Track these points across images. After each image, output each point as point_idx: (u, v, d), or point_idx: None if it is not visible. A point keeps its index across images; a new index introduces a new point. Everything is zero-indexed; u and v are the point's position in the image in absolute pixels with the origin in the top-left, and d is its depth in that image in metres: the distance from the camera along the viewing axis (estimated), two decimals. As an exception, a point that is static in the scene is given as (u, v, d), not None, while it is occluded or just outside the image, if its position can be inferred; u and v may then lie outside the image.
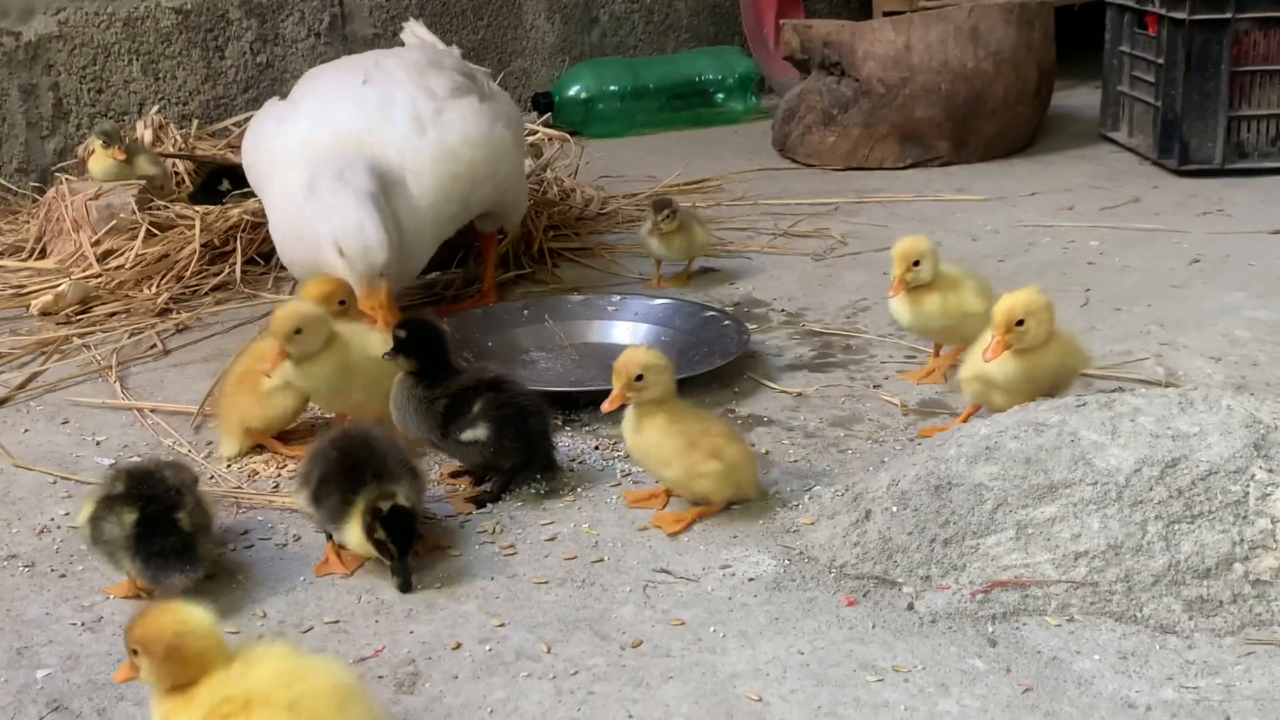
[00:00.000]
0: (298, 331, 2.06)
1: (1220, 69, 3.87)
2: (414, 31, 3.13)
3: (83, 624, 1.74)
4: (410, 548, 1.78)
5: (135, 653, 1.35)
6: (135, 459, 1.92)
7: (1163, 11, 3.96)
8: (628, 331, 2.66)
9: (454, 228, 2.69)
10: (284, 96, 2.80)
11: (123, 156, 3.31)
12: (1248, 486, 1.70)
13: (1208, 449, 1.74)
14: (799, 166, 4.31)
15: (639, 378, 1.90)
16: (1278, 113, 3.93)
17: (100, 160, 3.32)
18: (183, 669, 1.33)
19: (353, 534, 1.78)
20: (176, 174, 3.53)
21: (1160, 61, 3.99)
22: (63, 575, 1.87)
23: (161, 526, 1.75)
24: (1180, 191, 3.79)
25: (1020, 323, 2.06)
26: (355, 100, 2.58)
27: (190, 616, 1.35)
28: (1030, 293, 2.11)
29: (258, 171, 2.64)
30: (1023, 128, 4.38)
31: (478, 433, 2.01)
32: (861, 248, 3.35)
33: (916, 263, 2.29)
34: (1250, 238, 3.33)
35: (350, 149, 2.46)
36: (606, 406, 1.93)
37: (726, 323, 2.62)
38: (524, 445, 2.02)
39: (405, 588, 1.78)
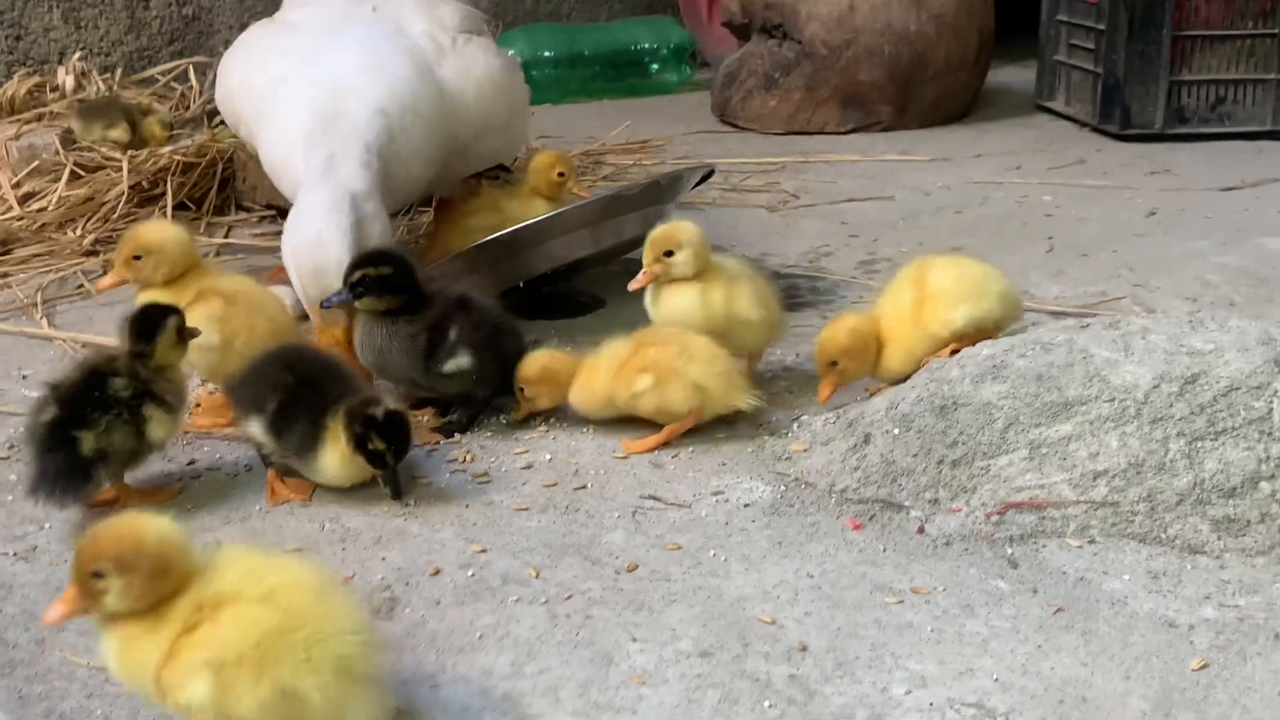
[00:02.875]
0: (136, 257, 1.85)
1: (1162, 33, 3.85)
2: None
3: (15, 554, 1.57)
4: (405, 454, 1.65)
5: (99, 575, 1.14)
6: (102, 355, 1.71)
7: (1105, -24, 3.93)
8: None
9: (450, 169, 2.41)
10: (213, 51, 2.50)
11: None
12: (1271, 402, 1.62)
13: (1226, 365, 1.66)
14: (740, 131, 4.22)
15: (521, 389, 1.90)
16: (1218, 77, 3.92)
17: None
18: (166, 584, 1.16)
19: (330, 458, 1.64)
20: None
21: (1101, 27, 3.96)
22: (-11, 506, 1.69)
23: (60, 440, 1.59)
24: (1124, 154, 3.76)
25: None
26: (367, 22, 2.31)
27: (164, 524, 1.18)
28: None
29: (254, 97, 2.30)
30: (962, 94, 4.33)
31: (460, 361, 1.87)
32: (815, 200, 3.26)
33: (669, 253, 1.94)
34: (1202, 194, 3.29)
35: (360, 86, 2.14)
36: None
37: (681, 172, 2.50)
38: (500, 371, 1.88)
39: (399, 494, 1.65)
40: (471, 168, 2.51)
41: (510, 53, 4.58)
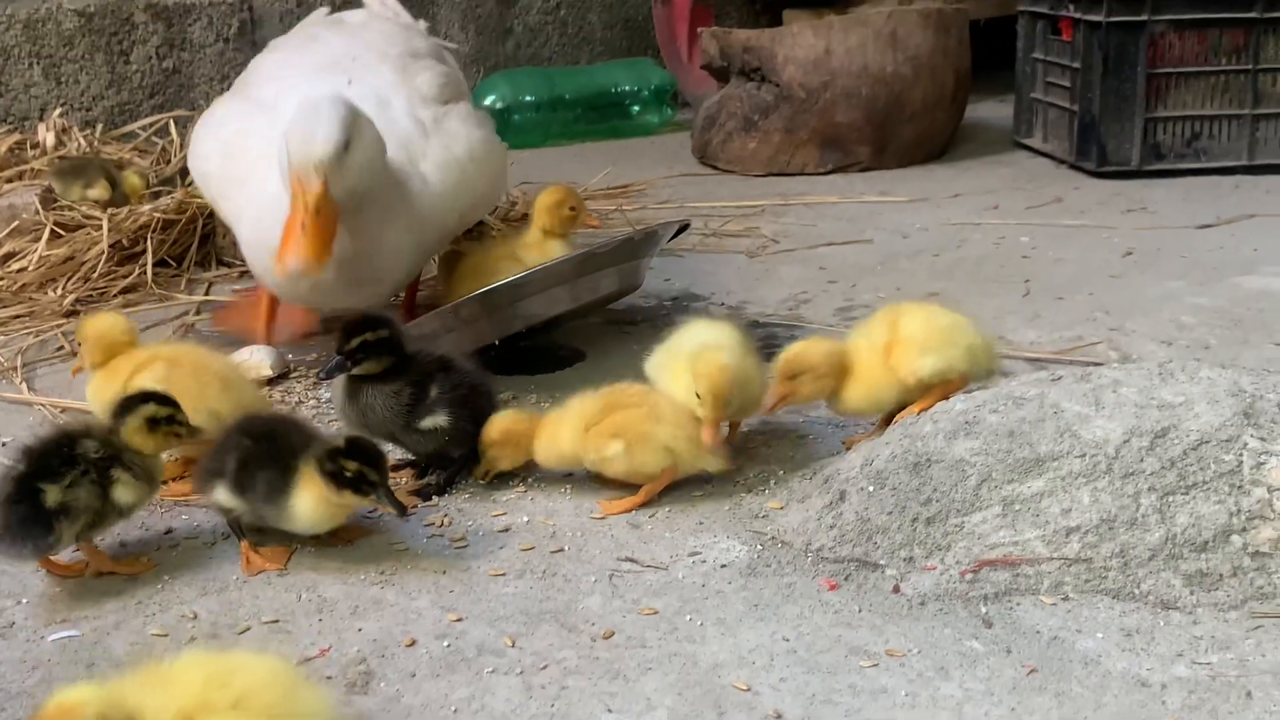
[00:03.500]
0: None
1: (1137, 71, 3.88)
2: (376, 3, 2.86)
3: (-10, 631, 1.57)
4: (387, 473, 1.67)
5: None
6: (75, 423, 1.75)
7: (1079, 15, 3.97)
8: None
9: (448, 241, 2.49)
10: (194, 104, 2.50)
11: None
12: (1241, 455, 1.63)
13: (1196, 418, 1.67)
14: (720, 173, 4.24)
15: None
16: (1193, 114, 3.95)
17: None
18: None
19: (303, 501, 1.65)
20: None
21: (1076, 65, 3.99)
22: (-35, 581, 1.69)
23: (25, 492, 1.60)
24: (1101, 191, 3.79)
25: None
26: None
27: (89, 696, 1.14)
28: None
29: (226, 175, 2.34)
30: (940, 133, 4.35)
31: (438, 419, 1.88)
32: (794, 245, 3.27)
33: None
34: (1178, 232, 3.31)
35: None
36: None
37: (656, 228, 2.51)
38: (475, 431, 1.89)
39: (402, 511, 1.67)
40: (456, 234, 2.54)
41: (491, 101, 4.64)
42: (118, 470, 1.64)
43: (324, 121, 2.03)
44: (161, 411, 1.69)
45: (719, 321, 2.03)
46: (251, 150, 2.28)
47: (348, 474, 1.63)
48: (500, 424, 1.89)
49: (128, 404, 1.69)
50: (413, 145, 2.29)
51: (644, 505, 1.84)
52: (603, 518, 1.82)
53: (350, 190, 2.08)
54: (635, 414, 1.83)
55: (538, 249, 2.51)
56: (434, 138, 2.33)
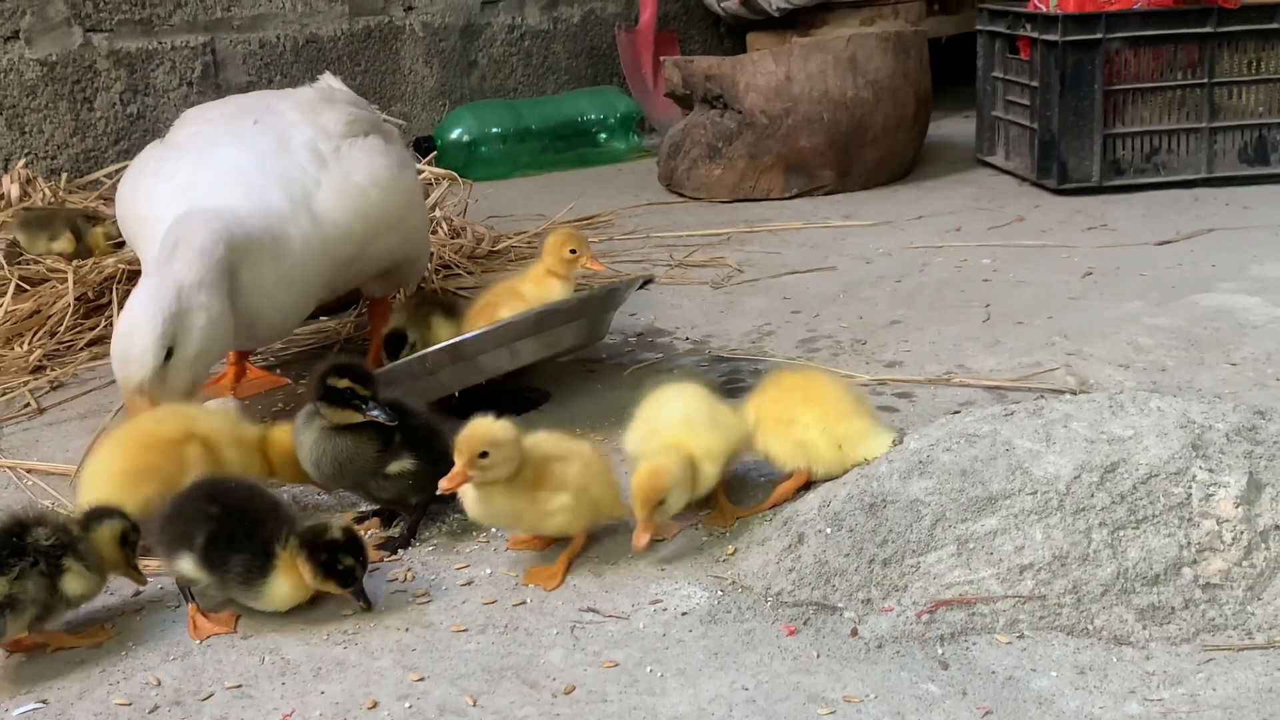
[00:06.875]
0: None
1: (1094, 88, 3.93)
2: (328, 83, 2.87)
3: (-46, 706, 1.58)
4: (367, 565, 1.73)
5: None
6: (30, 509, 1.71)
7: (1035, 34, 4.01)
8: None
9: (346, 276, 2.44)
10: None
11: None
12: (1190, 488, 1.65)
13: (1145, 451, 1.70)
14: (686, 200, 4.27)
15: (484, 454, 1.74)
16: (1150, 129, 3.99)
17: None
18: None
19: (281, 586, 1.67)
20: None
21: (1035, 84, 4.04)
22: (-71, 654, 1.70)
23: None
24: (1062, 209, 3.83)
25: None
26: (245, 143, 2.30)
27: None
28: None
29: (135, 219, 2.34)
30: (903, 154, 4.39)
31: (404, 463, 1.89)
32: (759, 274, 3.30)
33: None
34: (1137, 249, 3.35)
35: (231, 198, 2.19)
36: (445, 485, 1.75)
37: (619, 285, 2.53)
38: (434, 473, 1.91)
39: (370, 605, 1.72)
40: (376, 267, 2.51)
41: (458, 134, 4.66)
42: (69, 559, 1.63)
43: (138, 339, 1.99)
44: (133, 535, 1.72)
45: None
46: (157, 196, 2.28)
47: (341, 568, 1.68)
48: (513, 431, 1.78)
49: (97, 515, 1.70)
50: (305, 181, 2.27)
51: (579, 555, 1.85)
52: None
53: (191, 381, 2.07)
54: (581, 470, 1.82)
55: (536, 284, 2.55)
56: (333, 167, 2.31)
